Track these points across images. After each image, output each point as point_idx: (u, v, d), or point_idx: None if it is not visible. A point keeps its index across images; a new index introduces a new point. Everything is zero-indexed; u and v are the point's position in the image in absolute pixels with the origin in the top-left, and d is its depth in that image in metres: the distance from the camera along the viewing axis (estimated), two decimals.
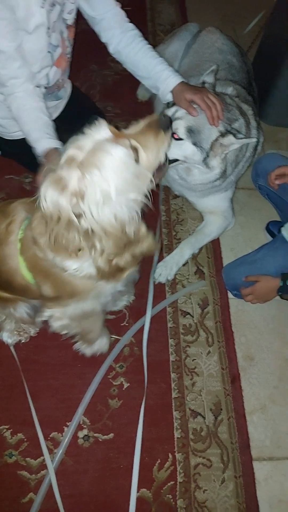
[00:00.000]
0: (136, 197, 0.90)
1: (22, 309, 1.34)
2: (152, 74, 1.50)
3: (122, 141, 0.89)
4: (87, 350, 1.45)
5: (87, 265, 0.99)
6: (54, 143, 1.28)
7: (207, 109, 1.39)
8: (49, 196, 0.85)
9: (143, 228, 0.97)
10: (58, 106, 1.70)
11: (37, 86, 1.45)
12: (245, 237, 1.98)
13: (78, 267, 1.00)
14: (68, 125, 1.74)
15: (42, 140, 1.29)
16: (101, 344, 1.45)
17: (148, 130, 0.98)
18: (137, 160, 0.92)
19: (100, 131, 0.89)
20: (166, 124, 1.01)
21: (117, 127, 0.94)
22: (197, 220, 1.97)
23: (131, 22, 1.53)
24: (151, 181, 0.95)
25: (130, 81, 2.38)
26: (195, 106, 1.42)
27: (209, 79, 1.54)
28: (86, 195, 0.84)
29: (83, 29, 1.62)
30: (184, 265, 1.80)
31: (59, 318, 1.20)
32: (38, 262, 1.08)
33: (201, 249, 1.87)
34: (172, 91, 1.46)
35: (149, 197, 0.93)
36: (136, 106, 2.30)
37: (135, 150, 0.92)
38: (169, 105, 1.84)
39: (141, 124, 1.00)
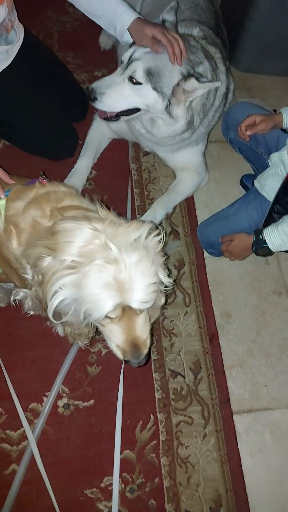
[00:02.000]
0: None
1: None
2: (106, 11, 1.37)
3: None
4: (60, 329, 1.41)
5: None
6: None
7: (168, 44, 1.28)
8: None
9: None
10: (10, 52, 1.54)
11: None
12: (220, 192, 1.92)
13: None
14: (24, 76, 1.59)
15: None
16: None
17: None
18: None
19: None
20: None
21: None
22: (169, 178, 1.88)
23: None
24: None
25: (91, 28, 2.17)
26: (148, 49, 1.31)
27: (169, 17, 1.41)
28: None
29: None
30: (158, 226, 1.74)
31: (28, 298, 1.16)
32: (4, 253, 1.03)
33: (175, 208, 1.80)
34: (129, 29, 1.34)
35: None
36: (99, 55, 2.14)
37: None
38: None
39: None
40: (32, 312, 1.23)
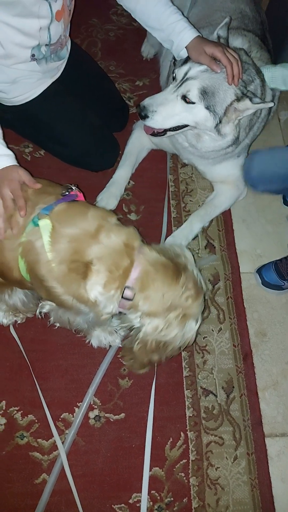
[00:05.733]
0: None
1: (17, 297, 1.28)
2: (165, 26, 1.35)
3: None
4: (92, 341, 1.41)
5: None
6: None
7: (228, 64, 1.25)
8: None
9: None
10: (60, 67, 1.56)
11: (38, 45, 1.33)
12: (258, 207, 1.88)
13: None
14: (69, 87, 1.61)
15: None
16: (109, 339, 1.41)
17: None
18: None
19: None
20: None
21: None
22: (207, 190, 1.86)
23: None
24: None
25: (134, 36, 2.21)
26: (205, 66, 1.29)
27: (223, 33, 1.39)
28: None
29: None
30: (193, 239, 1.72)
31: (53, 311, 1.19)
32: (35, 271, 1.05)
33: (211, 221, 1.78)
34: (187, 47, 1.32)
35: None
36: (141, 65, 2.14)
37: None
38: (176, 63, 1.69)
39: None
40: (58, 325, 1.24)
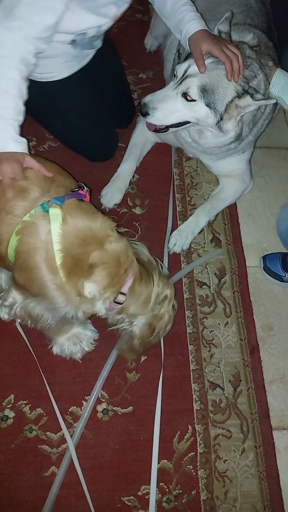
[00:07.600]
0: None
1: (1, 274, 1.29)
2: (177, 14, 1.37)
3: None
4: (55, 348, 1.41)
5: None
6: None
7: (226, 60, 1.24)
8: None
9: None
10: (90, 55, 1.57)
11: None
12: (263, 200, 1.87)
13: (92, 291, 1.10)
14: (90, 76, 1.61)
15: None
16: (71, 349, 1.40)
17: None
18: None
19: None
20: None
21: None
22: (212, 184, 1.85)
23: None
24: None
25: (137, 28, 2.20)
26: (212, 59, 1.28)
27: (224, 28, 1.38)
28: None
29: None
30: (199, 233, 1.72)
31: (16, 304, 1.19)
32: (29, 253, 1.06)
33: (217, 215, 1.77)
34: (189, 39, 1.32)
35: None
36: (144, 57, 2.13)
37: None
38: (180, 57, 1.68)
39: None
40: (19, 321, 1.25)
